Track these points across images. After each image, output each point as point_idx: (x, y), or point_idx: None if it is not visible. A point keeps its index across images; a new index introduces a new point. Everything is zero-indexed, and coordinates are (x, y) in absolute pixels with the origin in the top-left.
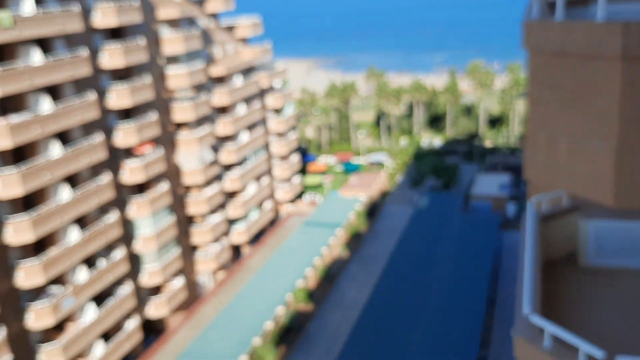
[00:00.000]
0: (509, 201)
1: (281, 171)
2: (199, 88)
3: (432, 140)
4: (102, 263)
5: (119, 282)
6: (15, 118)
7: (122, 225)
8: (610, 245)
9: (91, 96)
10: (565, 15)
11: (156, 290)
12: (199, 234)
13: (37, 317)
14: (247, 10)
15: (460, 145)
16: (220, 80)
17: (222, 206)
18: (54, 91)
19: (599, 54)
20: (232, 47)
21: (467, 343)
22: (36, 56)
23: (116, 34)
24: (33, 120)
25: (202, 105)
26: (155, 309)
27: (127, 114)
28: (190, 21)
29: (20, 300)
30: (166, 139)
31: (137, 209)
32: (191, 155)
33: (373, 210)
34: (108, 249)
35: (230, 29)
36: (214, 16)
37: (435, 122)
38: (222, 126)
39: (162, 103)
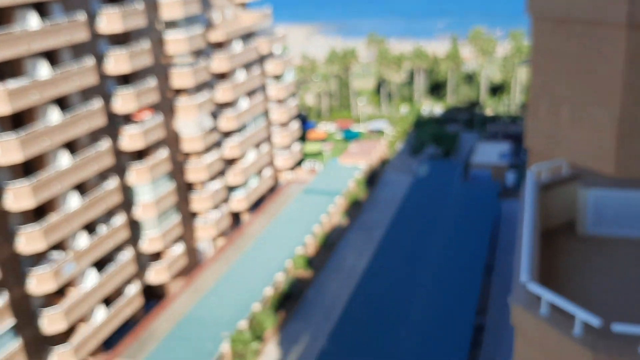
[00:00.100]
0: (508, 170)
1: (281, 138)
2: (198, 54)
3: (432, 108)
4: (102, 229)
5: (119, 248)
6: (13, 83)
7: (122, 192)
8: (609, 215)
9: (89, 61)
10: None
11: (156, 256)
12: (198, 201)
13: (38, 282)
14: None
15: (460, 113)
16: (220, 45)
17: (221, 173)
18: (52, 56)
19: (603, 21)
20: (232, 12)
21: (465, 310)
22: (33, 20)
23: None
24: (31, 86)
25: (201, 71)
26: (155, 275)
27: (125, 79)
28: None
29: (21, 265)
30: (165, 106)
31: (136, 175)
32: (190, 122)
33: (372, 178)
34: (108, 216)
35: None
36: None
37: (436, 89)
38: (222, 92)
39: (160, 69)
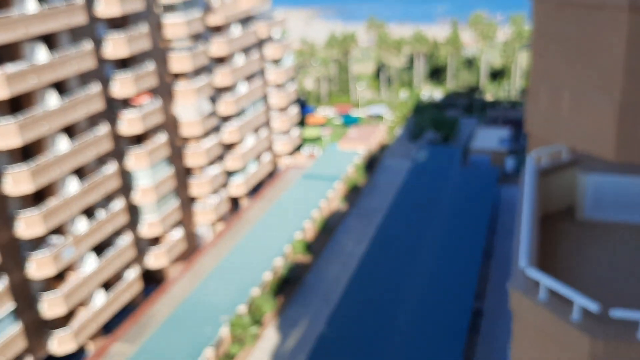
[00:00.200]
0: (508, 155)
1: (280, 123)
2: (197, 38)
3: (432, 93)
4: (101, 214)
5: (118, 233)
6: (11, 68)
7: (121, 177)
8: (608, 200)
9: (87, 46)
10: None
11: (156, 241)
12: (197, 186)
13: (38, 267)
14: None
15: (460, 98)
16: (218, 29)
17: (220, 158)
18: (50, 40)
19: (605, 4)
20: None
21: (463, 295)
22: (31, 4)
23: None
24: (29, 70)
25: (200, 56)
26: (154, 260)
27: (124, 64)
28: None
29: (20, 250)
30: (164, 90)
31: (135, 160)
32: (189, 107)
33: (372, 164)
34: (107, 200)
35: None
36: None
37: (436, 74)
38: (220, 77)
39: (159, 53)
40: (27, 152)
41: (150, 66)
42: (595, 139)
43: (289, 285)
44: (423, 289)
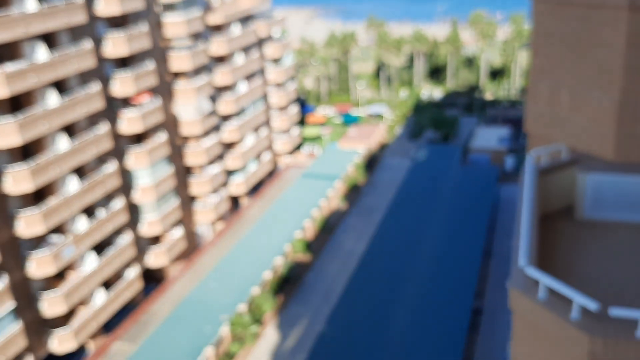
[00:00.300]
0: (507, 154)
1: (280, 122)
2: (197, 37)
3: (432, 92)
4: (101, 213)
5: (118, 232)
6: (11, 66)
7: (121, 176)
8: (607, 199)
9: (87, 44)
10: None
11: (156, 240)
12: (197, 185)
13: (38, 266)
14: None
15: (460, 97)
16: (218, 28)
17: (220, 157)
18: (50, 39)
19: (604, 4)
20: None
21: (463, 293)
22: (31, 3)
23: None
24: (29, 69)
25: (200, 55)
26: (155, 259)
27: (124, 63)
28: None
29: (21, 249)
30: (164, 89)
31: (135, 159)
32: (189, 106)
33: (371, 163)
34: (107, 199)
35: None
36: None
37: (436, 73)
38: (220, 76)
39: (159, 52)
40: (27, 151)
41: (150, 65)
42: (595, 138)
43: (289, 284)
44: (423, 287)
